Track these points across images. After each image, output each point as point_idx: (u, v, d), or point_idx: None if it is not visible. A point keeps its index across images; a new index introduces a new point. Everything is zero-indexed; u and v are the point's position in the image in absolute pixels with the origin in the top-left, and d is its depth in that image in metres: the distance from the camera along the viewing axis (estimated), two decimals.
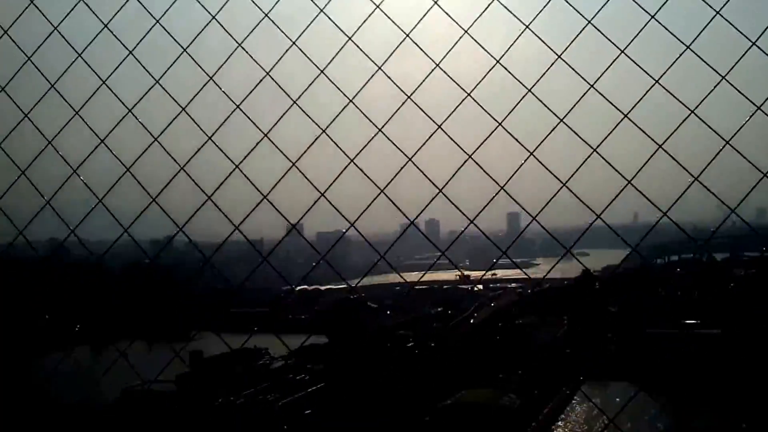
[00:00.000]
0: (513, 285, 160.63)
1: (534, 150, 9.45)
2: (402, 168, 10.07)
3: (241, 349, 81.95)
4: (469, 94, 9.55)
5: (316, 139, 9.76)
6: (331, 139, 9.79)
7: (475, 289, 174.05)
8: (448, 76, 9.84)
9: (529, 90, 9.59)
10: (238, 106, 9.72)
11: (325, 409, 78.72)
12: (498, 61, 9.67)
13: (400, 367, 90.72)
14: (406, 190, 11.49)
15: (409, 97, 9.72)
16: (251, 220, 11.45)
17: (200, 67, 9.94)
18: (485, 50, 9.63)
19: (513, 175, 9.18)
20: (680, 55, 9.39)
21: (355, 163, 9.56)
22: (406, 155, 10.05)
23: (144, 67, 10.14)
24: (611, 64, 9.64)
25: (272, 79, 9.90)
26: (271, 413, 73.14)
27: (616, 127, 9.56)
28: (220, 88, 9.93)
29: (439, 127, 9.51)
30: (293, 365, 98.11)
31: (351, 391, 79.14)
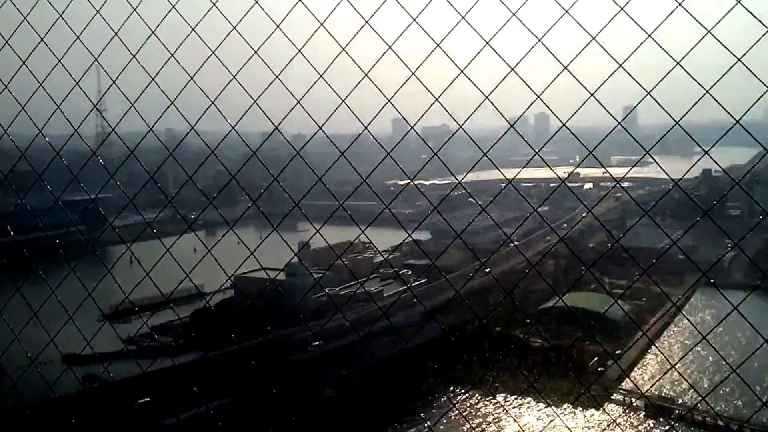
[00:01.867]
0: (626, 184, 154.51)
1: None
2: (507, 75, 10.28)
3: (345, 243, 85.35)
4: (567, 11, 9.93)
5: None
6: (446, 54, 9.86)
7: (585, 187, 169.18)
8: None
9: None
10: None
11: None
12: None
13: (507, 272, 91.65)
14: (510, 89, 11.37)
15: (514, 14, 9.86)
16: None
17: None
18: None
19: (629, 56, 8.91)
20: None
21: (465, 74, 9.86)
22: (508, 65, 10.19)
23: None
24: None
25: None
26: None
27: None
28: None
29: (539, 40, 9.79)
30: (394, 260, 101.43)
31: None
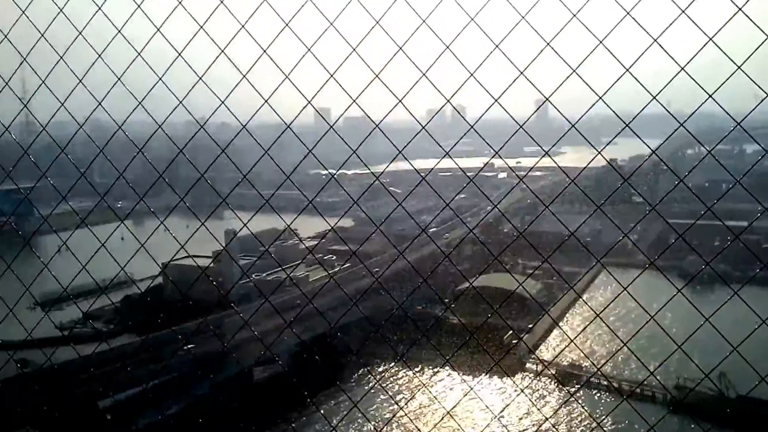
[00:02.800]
0: (538, 173, 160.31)
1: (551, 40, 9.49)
2: (441, 54, 10.45)
3: (272, 230, 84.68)
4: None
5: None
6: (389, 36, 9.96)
7: (500, 176, 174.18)
8: None
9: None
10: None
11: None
12: None
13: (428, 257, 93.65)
14: (437, 78, 11.65)
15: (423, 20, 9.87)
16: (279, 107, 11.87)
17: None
18: None
19: (534, 59, 9.34)
20: None
21: (379, 78, 9.85)
22: (443, 42, 10.34)
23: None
24: None
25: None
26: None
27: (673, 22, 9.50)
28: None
29: (472, 19, 9.78)
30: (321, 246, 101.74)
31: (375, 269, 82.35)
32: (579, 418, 61.80)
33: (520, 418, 62.37)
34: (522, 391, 67.35)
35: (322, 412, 63.81)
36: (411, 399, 67.45)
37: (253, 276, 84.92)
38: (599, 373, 65.12)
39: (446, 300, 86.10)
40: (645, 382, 63.12)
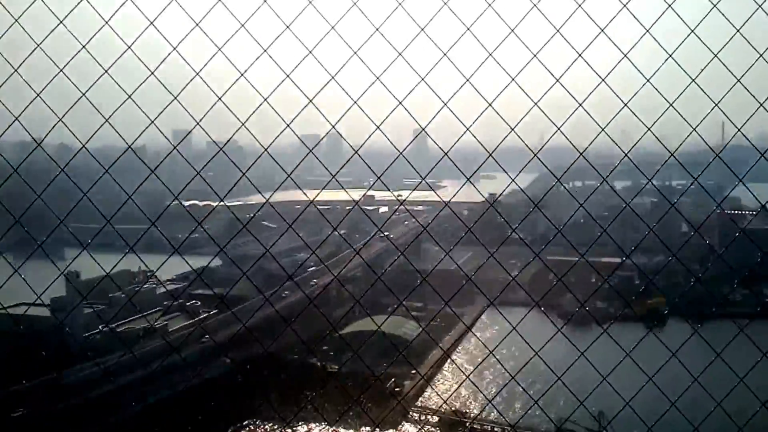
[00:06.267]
0: (419, 207, 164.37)
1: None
2: (326, 84, 10.43)
3: (124, 271, 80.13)
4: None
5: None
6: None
7: (381, 210, 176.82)
8: None
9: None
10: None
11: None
12: None
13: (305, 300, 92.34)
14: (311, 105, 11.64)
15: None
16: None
17: None
18: None
19: (414, 89, 9.61)
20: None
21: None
22: (330, 75, 10.29)
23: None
24: None
25: None
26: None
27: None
28: None
29: (355, 53, 9.82)
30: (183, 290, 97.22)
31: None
32: None
33: None
34: None
35: None
36: None
37: (101, 327, 79.96)
38: (480, 420, 66.84)
39: (324, 348, 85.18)
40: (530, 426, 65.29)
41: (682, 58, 11.68)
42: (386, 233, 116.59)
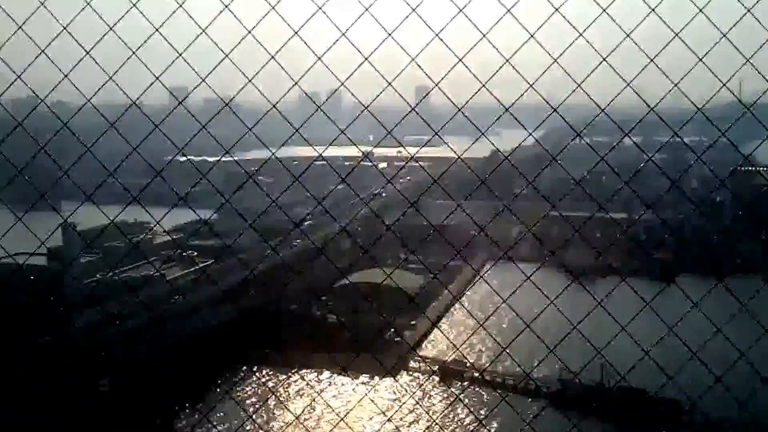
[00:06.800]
0: (420, 164, 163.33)
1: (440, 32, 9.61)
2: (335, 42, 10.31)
3: (120, 223, 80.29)
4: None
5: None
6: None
7: (380, 166, 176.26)
8: None
9: None
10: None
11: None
12: None
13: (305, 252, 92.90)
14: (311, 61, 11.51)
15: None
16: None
17: None
18: None
19: (429, 43, 9.43)
20: None
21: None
22: (341, 32, 10.14)
23: None
24: None
25: None
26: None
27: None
28: None
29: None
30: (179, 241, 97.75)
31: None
32: (464, 415, 64.21)
33: (409, 424, 63.79)
34: (405, 390, 69.23)
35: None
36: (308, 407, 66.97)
37: (98, 275, 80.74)
38: (482, 369, 67.68)
39: (322, 297, 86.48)
40: (530, 376, 65.84)
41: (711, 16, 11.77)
42: (381, 190, 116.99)
